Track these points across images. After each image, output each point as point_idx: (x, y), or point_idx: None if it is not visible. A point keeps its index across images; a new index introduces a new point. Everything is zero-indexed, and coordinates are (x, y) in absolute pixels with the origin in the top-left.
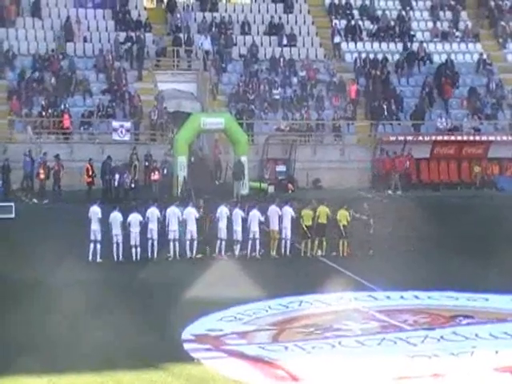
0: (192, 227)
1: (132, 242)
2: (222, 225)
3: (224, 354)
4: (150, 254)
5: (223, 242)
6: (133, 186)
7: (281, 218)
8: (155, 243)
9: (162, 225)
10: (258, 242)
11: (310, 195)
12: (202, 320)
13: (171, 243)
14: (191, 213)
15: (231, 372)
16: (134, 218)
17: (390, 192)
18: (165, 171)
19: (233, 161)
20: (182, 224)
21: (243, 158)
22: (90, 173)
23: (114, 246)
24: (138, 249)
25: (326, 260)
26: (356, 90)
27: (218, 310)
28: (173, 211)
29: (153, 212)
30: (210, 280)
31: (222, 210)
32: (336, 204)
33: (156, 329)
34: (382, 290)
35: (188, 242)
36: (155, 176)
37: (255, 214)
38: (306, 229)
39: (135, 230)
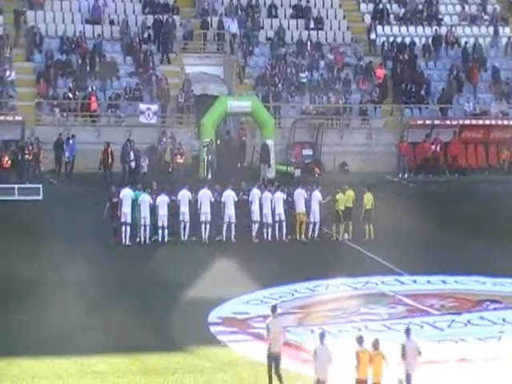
0: (230, 210)
1: (159, 224)
2: (255, 208)
3: (250, 336)
4: (182, 236)
5: (256, 225)
6: (145, 171)
7: (308, 202)
8: (187, 225)
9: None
10: (284, 224)
11: (336, 179)
12: (228, 303)
13: (203, 225)
14: (230, 195)
15: (257, 355)
16: (162, 200)
17: (400, 176)
18: (192, 153)
19: (259, 144)
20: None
21: (269, 142)
22: (108, 156)
23: (142, 228)
24: (166, 231)
25: (352, 244)
26: (383, 74)
27: (245, 293)
28: (205, 193)
29: (184, 194)
30: (237, 263)
31: (254, 193)
32: (362, 187)
33: (183, 311)
34: (408, 274)
35: (225, 225)
36: (180, 159)
37: (279, 196)
38: (340, 213)
39: (163, 212)
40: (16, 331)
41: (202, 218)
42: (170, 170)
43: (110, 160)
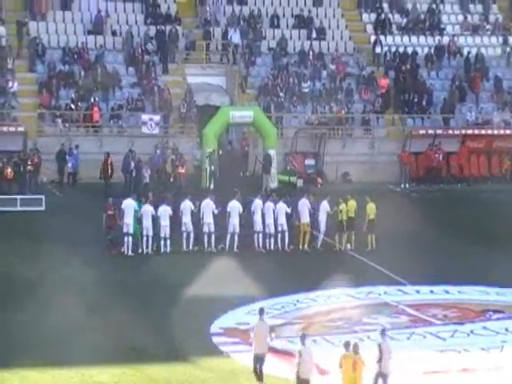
0: (235, 220)
1: (161, 234)
2: (258, 218)
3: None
4: (185, 247)
5: (260, 235)
6: (147, 181)
7: (312, 212)
8: (191, 235)
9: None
10: (286, 234)
11: (339, 189)
12: (231, 313)
13: (205, 236)
14: (236, 206)
15: None
16: (164, 210)
17: (402, 186)
18: (195, 163)
19: (262, 154)
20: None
21: (272, 152)
22: (108, 167)
23: (144, 238)
24: (168, 241)
25: (355, 254)
26: (386, 84)
27: (247, 303)
28: (207, 204)
29: (186, 205)
30: (239, 273)
31: (256, 204)
32: (364, 197)
33: (185, 322)
34: (411, 284)
35: (229, 236)
36: (182, 169)
37: (282, 207)
38: (343, 223)
39: (165, 223)
40: (17, 337)
41: (205, 229)
42: (172, 180)
43: (109, 170)
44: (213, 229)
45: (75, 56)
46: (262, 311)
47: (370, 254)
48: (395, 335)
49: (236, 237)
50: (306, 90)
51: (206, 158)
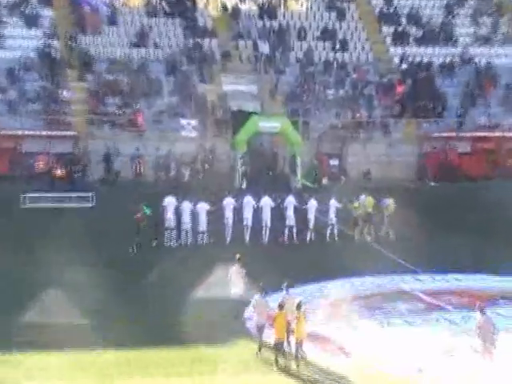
0: (267, 216)
1: (200, 229)
2: (290, 212)
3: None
4: (227, 239)
5: (294, 229)
6: (187, 178)
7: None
8: (230, 230)
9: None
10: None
11: (360, 186)
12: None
13: (245, 229)
14: (267, 202)
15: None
16: (202, 207)
17: (420, 183)
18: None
19: (289, 156)
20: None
21: (298, 159)
22: (138, 167)
23: (183, 232)
24: (205, 235)
25: (373, 245)
26: (403, 91)
27: (276, 290)
28: (248, 201)
29: (228, 202)
30: (271, 263)
31: (290, 201)
32: (382, 194)
33: (218, 307)
34: (426, 272)
35: (264, 229)
36: (208, 166)
37: (313, 204)
38: (359, 218)
39: (202, 218)
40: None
41: (245, 222)
42: (201, 177)
43: (140, 170)
44: (250, 223)
45: (121, 66)
46: (262, 289)
47: (388, 245)
48: (412, 321)
49: (267, 230)
50: (331, 97)
51: (240, 159)
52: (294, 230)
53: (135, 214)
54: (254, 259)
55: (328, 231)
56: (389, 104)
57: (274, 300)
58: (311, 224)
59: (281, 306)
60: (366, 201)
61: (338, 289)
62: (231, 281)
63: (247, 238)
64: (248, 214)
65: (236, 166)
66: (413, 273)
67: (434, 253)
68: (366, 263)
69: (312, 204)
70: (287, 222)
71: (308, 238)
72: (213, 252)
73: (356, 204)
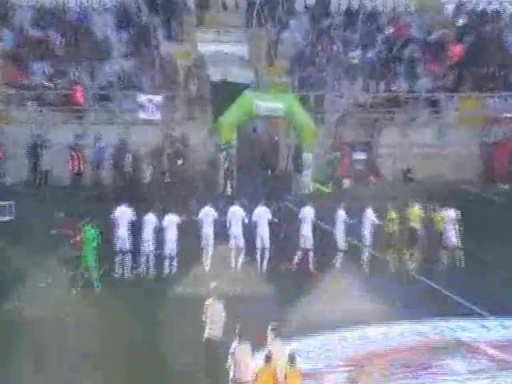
0: (263, 232)
1: (167, 252)
2: (307, 231)
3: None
4: (205, 265)
5: (310, 253)
6: (148, 181)
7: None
8: (210, 251)
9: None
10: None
11: (397, 190)
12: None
13: (232, 252)
14: (263, 214)
15: None
16: (170, 220)
17: (484, 187)
18: None
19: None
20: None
21: (308, 155)
22: (76, 164)
23: (143, 257)
24: (175, 260)
25: (418, 275)
26: (460, 52)
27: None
28: (234, 211)
29: (208, 213)
30: (270, 298)
31: (306, 212)
32: (432, 202)
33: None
34: (494, 316)
35: (259, 252)
36: (180, 162)
37: (341, 214)
38: (394, 236)
39: (170, 236)
40: None
41: (232, 242)
42: (168, 178)
43: (79, 167)
44: (242, 243)
45: (51, 18)
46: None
47: (440, 275)
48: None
49: (266, 252)
50: (355, 61)
51: (222, 151)
52: (311, 255)
53: (72, 237)
54: (243, 296)
55: (363, 256)
56: (439, 72)
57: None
58: (341, 244)
59: (268, 358)
60: (409, 212)
61: (364, 338)
62: (207, 320)
63: (236, 263)
64: (236, 230)
65: (218, 161)
66: (476, 316)
67: (506, 289)
68: (407, 302)
69: (340, 216)
70: (302, 244)
71: (336, 264)
72: (186, 286)
73: (393, 214)
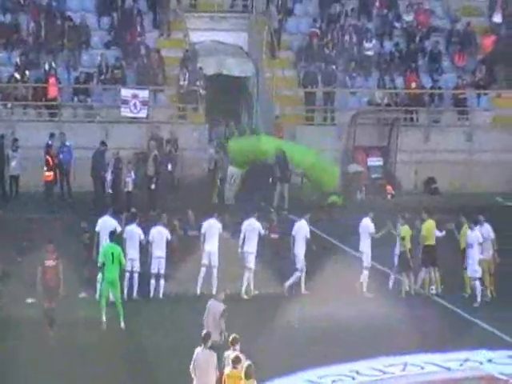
0: (252, 247)
1: (153, 270)
2: (300, 249)
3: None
4: (198, 290)
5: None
6: (130, 189)
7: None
8: (214, 272)
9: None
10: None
11: (418, 202)
12: None
13: (246, 274)
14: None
15: None
16: (159, 233)
17: None
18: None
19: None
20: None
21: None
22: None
23: (127, 275)
24: (162, 281)
25: (441, 300)
26: (493, 44)
27: (283, 375)
28: (252, 225)
29: (212, 225)
30: (269, 329)
31: (301, 226)
32: (459, 216)
33: None
34: None
35: (246, 274)
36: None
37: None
38: (409, 255)
39: (159, 253)
40: None
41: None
42: (153, 186)
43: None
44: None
45: (21, 1)
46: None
47: (467, 301)
48: None
49: (251, 275)
50: (370, 53)
51: (216, 153)
52: (303, 277)
53: (45, 259)
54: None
55: (361, 279)
56: (468, 66)
57: None
58: (366, 261)
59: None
60: (427, 226)
61: (380, 373)
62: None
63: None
64: (251, 247)
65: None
66: (509, 349)
67: None
68: (428, 331)
69: (365, 227)
70: (297, 266)
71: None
72: (180, 312)
73: (406, 230)
